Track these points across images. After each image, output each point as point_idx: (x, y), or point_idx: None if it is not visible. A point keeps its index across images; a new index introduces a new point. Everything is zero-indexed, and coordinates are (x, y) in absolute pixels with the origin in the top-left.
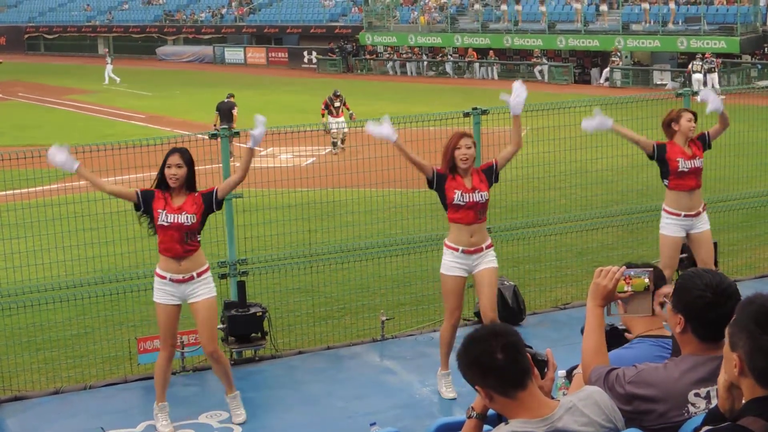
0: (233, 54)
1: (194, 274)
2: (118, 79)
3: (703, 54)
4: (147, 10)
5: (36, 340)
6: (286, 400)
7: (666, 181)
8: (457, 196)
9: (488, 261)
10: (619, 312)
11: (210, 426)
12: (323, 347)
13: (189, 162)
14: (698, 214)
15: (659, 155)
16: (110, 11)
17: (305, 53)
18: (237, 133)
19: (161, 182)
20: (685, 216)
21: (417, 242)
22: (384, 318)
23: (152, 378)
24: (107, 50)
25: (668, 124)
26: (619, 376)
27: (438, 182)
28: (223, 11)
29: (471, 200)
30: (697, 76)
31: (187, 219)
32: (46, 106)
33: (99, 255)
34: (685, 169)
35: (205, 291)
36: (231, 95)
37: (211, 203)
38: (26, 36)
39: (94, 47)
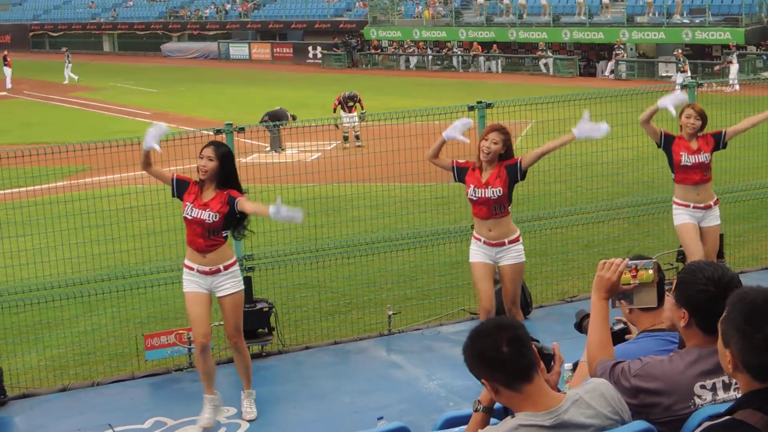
0: (238, 50)
1: (221, 267)
2: (76, 77)
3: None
4: (151, 6)
5: (43, 337)
6: (293, 395)
7: (673, 175)
8: (470, 191)
9: (512, 257)
10: (622, 310)
11: (217, 422)
12: (330, 342)
13: (222, 157)
14: (708, 207)
15: (665, 144)
16: (114, 8)
17: (310, 48)
18: (242, 129)
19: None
20: (695, 207)
21: (423, 237)
22: (390, 312)
23: (159, 374)
24: (65, 49)
25: (680, 117)
26: (625, 369)
27: (459, 175)
28: (228, 7)
29: (482, 196)
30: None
31: (209, 217)
32: (51, 104)
33: (106, 252)
34: (688, 164)
35: (231, 285)
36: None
37: (233, 209)
38: (31, 34)
39: (99, 44)
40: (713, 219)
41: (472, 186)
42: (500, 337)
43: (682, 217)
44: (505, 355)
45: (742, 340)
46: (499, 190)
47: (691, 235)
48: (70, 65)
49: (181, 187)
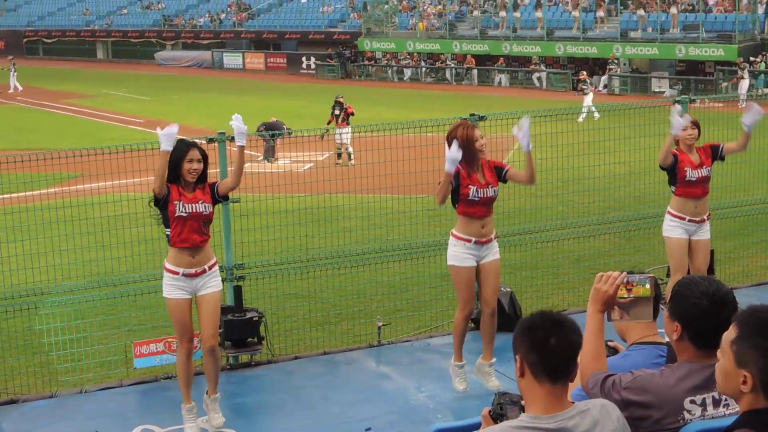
0: (232, 59)
1: (206, 267)
2: (13, 87)
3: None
4: (146, 14)
5: (32, 343)
6: (282, 405)
7: (673, 188)
8: (472, 192)
9: (494, 252)
10: (615, 318)
11: (205, 430)
12: (319, 352)
13: (205, 158)
14: (702, 221)
15: (673, 164)
16: (109, 16)
17: (304, 59)
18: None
19: (174, 177)
20: (690, 220)
21: (414, 248)
22: (380, 324)
23: (148, 382)
24: (11, 57)
25: None
26: (616, 382)
27: (455, 183)
28: (222, 16)
29: (485, 195)
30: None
31: (204, 208)
32: (44, 110)
33: (96, 259)
34: (693, 178)
35: (214, 284)
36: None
37: (214, 192)
38: (25, 40)
39: (92, 52)
40: (705, 233)
41: (473, 188)
42: (555, 331)
43: (676, 230)
44: (549, 346)
45: (763, 359)
46: (497, 188)
47: (681, 250)
48: (16, 73)
49: (167, 193)
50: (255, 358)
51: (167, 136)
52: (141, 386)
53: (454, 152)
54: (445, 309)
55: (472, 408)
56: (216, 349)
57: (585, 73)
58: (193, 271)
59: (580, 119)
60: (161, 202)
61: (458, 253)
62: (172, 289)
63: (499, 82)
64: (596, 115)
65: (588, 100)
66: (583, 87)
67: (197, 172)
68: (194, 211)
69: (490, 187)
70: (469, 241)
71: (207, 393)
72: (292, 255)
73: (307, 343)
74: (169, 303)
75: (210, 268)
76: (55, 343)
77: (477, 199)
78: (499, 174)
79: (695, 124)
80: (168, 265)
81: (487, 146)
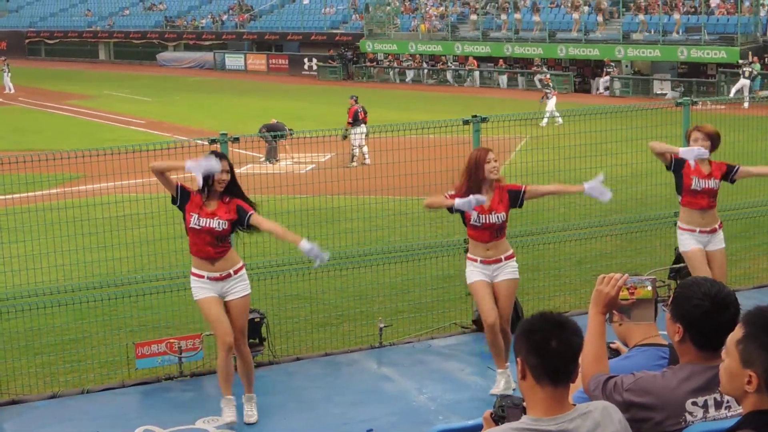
0: (234, 60)
1: (231, 271)
2: (8, 88)
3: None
4: (148, 16)
5: (34, 344)
6: (283, 405)
7: (679, 197)
8: (474, 217)
9: (508, 272)
10: (615, 321)
11: (206, 431)
12: (321, 354)
13: (232, 168)
14: (714, 230)
15: (675, 167)
16: (111, 17)
17: (306, 60)
18: (237, 139)
19: (206, 185)
20: (700, 231)
21: (415, 250)
22: (382, 325)
23: (149, 383)
24: (4, 58)
25: (687, 140)
26: (617, 383)
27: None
28: (224, 18)
29: (487, 221)
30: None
31: (219, 225)
32: (46, 111)
33: (97, 260)
34: (698, 188)
35: (240, 288)
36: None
37: (243, 219)
38: (27, 41)
39: (94, 53)
40: (718, 242)
41: (475, 213)
42: (556, 333)
43: (688, 242)
44: (549, 348)
45: None
46: (503, 215)
47: (698, 260)
48: (10, 74)
49: (184, 197)
50: (257, 359)
51: (200, 167)
52: (143, 387)
53: (474, 199)
54: (447, 311)
55: (474, 410)
56: (242, 348)
57: (548, 75)
58: (217, 275)
59: (543, 123)
60: (177, 203)
61: (470, 271)
62: (199, 290)
63: (514, 84)
64: (559, 120)
65: (551, 104)
66: (547, 91)
67: (225, 182)
68: (207, 226)
69: (493, 213)
70: (475, 260)
71: (244, 392)
72: (294, 256)
73: (308, 345)
74: (200, 303)
75: (235, 272)
76: (57, 343)
77: (479, 224)
78: (516, 198)
79: (709, 136)
80: (193, 270)
81: (498, 170)
